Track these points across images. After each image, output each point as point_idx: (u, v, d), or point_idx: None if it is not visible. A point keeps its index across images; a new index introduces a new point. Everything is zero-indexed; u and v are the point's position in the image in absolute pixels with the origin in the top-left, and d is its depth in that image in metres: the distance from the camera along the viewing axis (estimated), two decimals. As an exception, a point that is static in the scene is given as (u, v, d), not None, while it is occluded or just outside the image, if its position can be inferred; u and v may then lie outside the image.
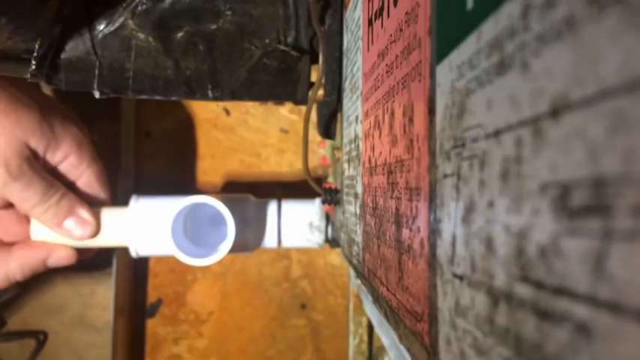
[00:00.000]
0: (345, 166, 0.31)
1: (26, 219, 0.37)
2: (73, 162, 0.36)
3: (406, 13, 0.16)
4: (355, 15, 0.27)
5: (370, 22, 0.23)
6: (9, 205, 0.35)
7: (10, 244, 0.36)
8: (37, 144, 0.34)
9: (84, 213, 0.35)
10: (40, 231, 0.36)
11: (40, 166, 0.34)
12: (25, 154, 0.33)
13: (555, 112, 0.08)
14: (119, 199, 0.42)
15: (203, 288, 0.51)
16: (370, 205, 0.22)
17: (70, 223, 0.35)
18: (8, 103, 0.32)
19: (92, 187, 0.37)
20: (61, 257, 0.36)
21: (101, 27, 0.31)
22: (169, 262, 0.51)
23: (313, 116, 0.37)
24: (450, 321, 0.12)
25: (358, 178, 0.26)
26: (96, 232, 0.36)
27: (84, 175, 0.37)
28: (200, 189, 0.51)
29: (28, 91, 0.34)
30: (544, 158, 0.08)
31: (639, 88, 0.06)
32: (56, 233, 0.36)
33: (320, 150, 0.50)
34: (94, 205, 0.37)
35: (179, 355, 0.51)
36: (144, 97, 0.33)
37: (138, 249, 0.37)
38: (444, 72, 0.13)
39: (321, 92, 0.34)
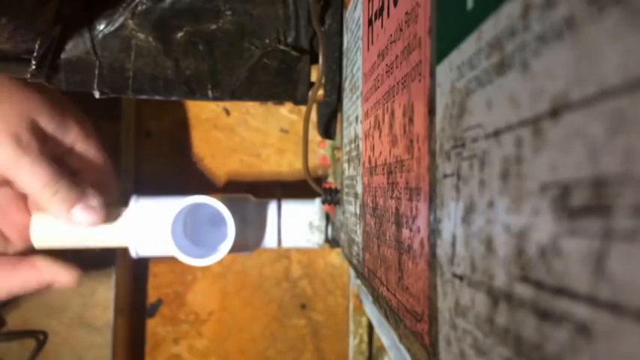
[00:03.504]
0: (345, 166, 0.31)
1: (25, 207, 0.36)
2: (80, 149, 0.36)
3: (406, 13, 0.16)
4: (355, 15, 0.27)
5: (370, 22, 0.23)
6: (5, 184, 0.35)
7: (16, 259, 0.35)
8: (47, 123, 0.33)
9: (93, 200, 0.35)
10: (40, 231, 0.36)
11: (49, 148, 0.33)
12: (35, 130, 0.32)
13: (555, 112, 0.08)
14: (119, 199, 0.42)
15: (203, 288, 0.51)
16: (370, 205, 0.22)
17: (79, 209, 0.34)
18: (19, 86, 0.32)
19: (100, 175, 0.37)
20: (65, 283, 0.36)
21: (101, 27, 0.31)
22: (169, 262, 0.51)
23: (313, 116, 0.37)
24: (450, 321, 0.12)
25: (358, 178, 0.26)
26: (104, 220, 0.35)
27: (91, 163, 0.37)
28: (200, 189, 0.51)
29: (35, 84, 0.34)
30: (544, 158, 0.08)
31: (639, 88, 0.06)
32: (58, 226, 0.35)
33: (320, 150, 0.50)
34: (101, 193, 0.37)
35: (179, 355, 0.51)
36: (144, 97, 0.33)
37: (138, 249, 0.37)
38: (444, 72, 0.13)
39: (321, 92, 0.34)
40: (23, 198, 0.37)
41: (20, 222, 0.36)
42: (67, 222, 0.35)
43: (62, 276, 0.36)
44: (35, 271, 0.35)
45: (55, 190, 0.33)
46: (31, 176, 0.32)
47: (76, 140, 0.35)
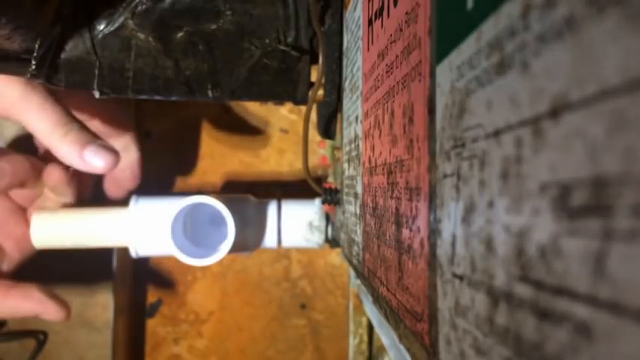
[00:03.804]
0: (345, 166, 0.31)
1: (24, 220, 0.36)
2: (84, 102, 0.35)
3: (406, 13, 0.16)
4: (355, 15, 0.27)
5: (370, 22, 0.23)
6: (9, 196, 0.34)
7: (10, 284, 0.35)
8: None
9: (105, 142, 0.33)
10: (40, 231, 0.36)
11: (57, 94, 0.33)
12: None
13: (555, 112, 0.08)
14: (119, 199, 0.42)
15: (203, 288, 0.51)
16: (370, 205, 0.22)
17: (91, 151, 0.32)
18: None
19: (134, 166, 0.37)
20: (54, 316, 0.36)
21: (101, 27, 0.31)
22: (169, 262, 0.51)
23: (313, 116, 0.37)
24: (450, 321, 0.12)
25: (358, 178, 0.26)
26: (118, 162, 0.33)
27: (102, 117, 0.36)
28: (200, 189, 0.51)
29: None
30: (544, 158, 0.08)
31: (639, 88, 0.06)
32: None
33: (320, 150, 0.50)
34: (127, 184, 0.38)
35: (179, 355, 0.51)
36: (144, 97, 0.33)
37: (138, 249, 0.37)
38: (444, 72, 0.13)
39: (321, 92, 0.34)
40: (22, 210, 0.37)
41: (18, 234, 0.36)
42: (80, 166, 0.32)
43: (52, 311, 0.35)
44: (27, 300, 0.35)
45: (66, 131, 0.31)
46: (41, 116, 0.31)
47: (81, 99, 0.35)
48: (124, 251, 0.39)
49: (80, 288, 0.49)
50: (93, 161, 0.32)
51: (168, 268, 0.51)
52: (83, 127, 0.32)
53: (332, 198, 0.35)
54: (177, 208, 0.34)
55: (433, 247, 0.14)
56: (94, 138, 0.32)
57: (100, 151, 0.32)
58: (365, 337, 0.42)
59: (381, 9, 0.20)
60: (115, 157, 0.32)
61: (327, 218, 0.39)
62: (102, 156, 0.32)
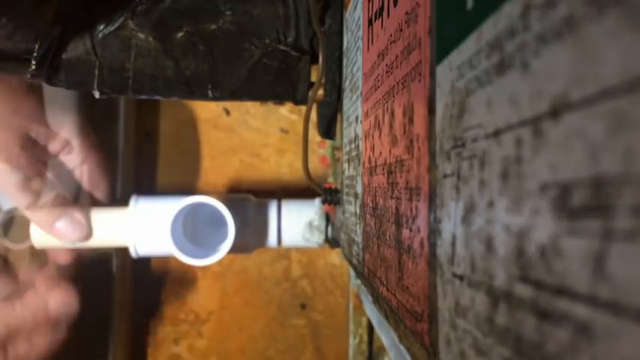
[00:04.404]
0: (345, 166, 0.31)
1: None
2: (74, 148, 0.36)
3: (406, 13, 0.16)
4: (355, 15, 0.27)
5: (370, 22, 0.23)
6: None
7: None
8: (38, 131, 0.34)
9: (77, 215, 0.35)
10: (40, 231, 0.36)
11: (40, 155, 0.34)
12: (25, 144, 0.33)
13: (555, 112, 0.08)
14: (119, 199, 0.42)
15: (203, 288, 0.51)
16: (370, 205, 0.22)
17: (62, 224, 0.35)
18: (10, 90, 0.32)
19: (94, 174, 0.38)
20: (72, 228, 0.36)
21: (101, 27, 0.31)
22: (169, 262, 0.51)
23: (313, 116, 0.37)
24: (450, 321, 0.12)
25: (358, 178, 0.26)
26: (88, 234, 0.36)
27: (86, 162, 0.37)
28: (200, 189, 0.51)
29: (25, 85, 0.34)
30: (544, 158, 0.08)
31: (639, 88, 0.06)
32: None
33: (320, 150, 0.50)
34: (96, 192, 0.37)
35: (179, 355, 0.51)
36: (144, 97, 0.33)
37: (138, 249, 0.37)
38: (444, 72, 0.13)
39: (321, 92, 0.34)
40: None
41: None
42: (53, 236, 0.35)
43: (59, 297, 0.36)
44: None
45: (39, 205, 0.34)
46: (18, 196, 0.34)
47: (70, 138, 0.36)
48: (124, 251, 0.39)
49: (80, 288, 0.49)
50: (62, 235, 0.35)
51: (168, 268, 0.51)
52: (58, 195, 0.35)
53: (332, 198, 0.35)
54: (177, 208, 0.34)
55: (433, 247, 0.14)
56: (64, 210, 0.35)
57: (70, 225, 0.35)
58: (365, 337, 0.42)
59: (381, 9, 0.20)
60: (81, 231, 0.35)
61: (327, 218, 0.39)
62: (70, 230, 0.35)
